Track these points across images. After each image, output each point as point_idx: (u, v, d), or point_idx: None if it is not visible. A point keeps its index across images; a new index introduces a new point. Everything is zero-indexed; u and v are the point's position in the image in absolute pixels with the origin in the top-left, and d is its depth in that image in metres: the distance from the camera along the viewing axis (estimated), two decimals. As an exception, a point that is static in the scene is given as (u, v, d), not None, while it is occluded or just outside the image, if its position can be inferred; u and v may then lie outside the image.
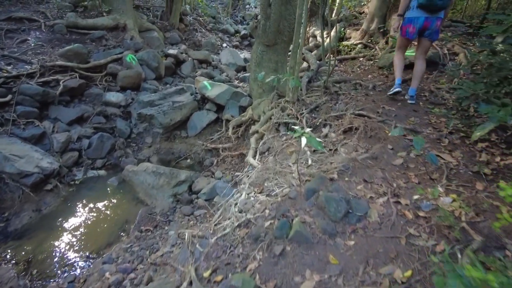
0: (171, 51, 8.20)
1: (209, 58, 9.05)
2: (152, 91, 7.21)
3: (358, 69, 5.38)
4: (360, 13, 9.36)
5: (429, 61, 4.74)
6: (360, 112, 3.42)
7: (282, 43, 5.13)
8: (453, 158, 2.50)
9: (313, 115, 3.71)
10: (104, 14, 7.66)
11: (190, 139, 6.57)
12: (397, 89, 3.74)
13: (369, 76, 4.89)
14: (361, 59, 5.88)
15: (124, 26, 7.72)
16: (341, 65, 5.93)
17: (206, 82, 6.86)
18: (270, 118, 4.40)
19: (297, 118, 3.80)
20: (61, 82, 5.91)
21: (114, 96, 6.63)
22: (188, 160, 6.13)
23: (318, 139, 2.31)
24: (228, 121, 6.38)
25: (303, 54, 5.77)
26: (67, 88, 6.03)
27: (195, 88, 7.19)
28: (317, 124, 3.59)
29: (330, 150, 3.09)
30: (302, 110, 4.06)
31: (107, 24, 7.43)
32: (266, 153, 3.72)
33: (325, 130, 3.47)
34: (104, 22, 7.39)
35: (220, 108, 6.77)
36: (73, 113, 5.94)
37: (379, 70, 5.08)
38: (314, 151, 3.14)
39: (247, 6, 16.91)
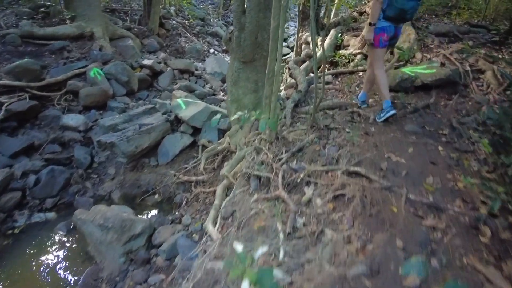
0: (146, 62, 7.24)
1: (192, 67, 8.07)
2: (121, 110, 6.27)
3: (357, 88, 4.38)
4: (361, 14, 8.33)
5: (447, 81, 3.73)
6: (356, 169, 2.43)
7: (262, 59, 4.15)
8: (504, 279, 1.52)
9: (293, 167, 2.72)
10: (68, 21, 6.71)
11: (161, 168, 5.62)
12: (392, 112, 3.18)
13: (370, 100, 3.88)
14: (360, 73, 4.86)
15: (91, 34, 6.76)
16: (337, 81, 4.93)
17: (180, 100, 5.89)
18: (244, 157, 3.43)
19: (272, 169, 2.82)
20: (4, 106, 4.99)
21: (73, 119, 5.70)
22: (156, 196, 5.19)
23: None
24: (204, 147, 5.44)
25: (289, 69, 4.78)
26: (12, 112, 5.10)
27: (171, 105, 6.23)
28: (298, 181, 2.61)
29: (313, 233, 2.12)
30: (282, 153, 3.09)
31: (70, 33, 6.48)
32: (230, 220, 2.75)
33: (308, 192, 2.49)
34: (66, 31, 6.44)
35: (197, 130, 5.82)
36: (18, 143, 5.01)
37: None
38: (288, 233, 2.17)
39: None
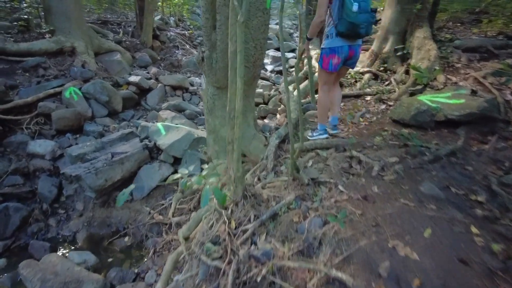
0: (132, 78, 6.58)
1: (185, 83, 7.35)
2: (98, 133, 5.61)
3: (361, 119, 3.50)
4: (376, 22, 7.43)
5: (480, 117, 2.79)
6: (340, 275, 1.56)
7: (241, 84, 3.35)
8: None
9: (255, 254, 1.88)
10: (47, 35, 6.16)
11: (136, 204, 4.90)
12: (324, 136, 3.24)
13: (377, 137, 2.99)
14: (368, 98, 3.97)
15: (72, 50, 6.17)
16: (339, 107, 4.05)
17: (160, 124, 5.17)
18: (205, 219, 2.62)
19: (227, 251, 1.99)
20: (-43, 134, 4.42)
21: (40, 146, 5.07)
22: (126, 238, 4.49)
23: None
24: (189, 177, 4.67)
25: (280, 94, 3.95)
26: (-33, 140, 4.53)
27: (150, 130, 5.51)
28: (259, 280, 1.77)
29: None
30: (250, 219, 2.26)
31: (47, 48, 5.90)
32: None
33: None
34: (43, 46, 5.86)
35: (178, 159, 5.07)
36: (-31, 176, 4.42)
37: (393, 126, 3.16)
38: None
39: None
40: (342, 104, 4.15)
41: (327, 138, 3.22)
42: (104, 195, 4.78)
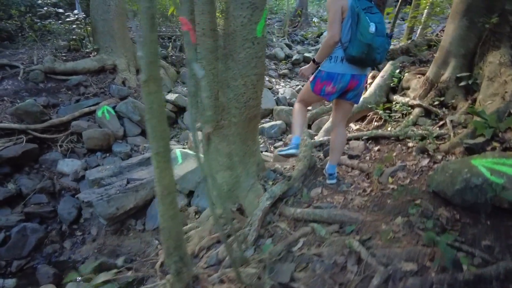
0: (169, 96, 6.44)
1: (225, 101, 6.98)
2: (125, 154, 5.54)
3: (391, 178, 2.58)
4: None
5: None
6: None
7: (232, 126, 2.76)
8: None
9: None
10: (93, 53, 6.36)
11: (147, 234, 4.67)
12: (293, 151, 2.58)
13: (399, 218, 2.09)
14: (410, 144, 2.99)
15: (113, 67, 6.28)
16: (370, 153, 3.14)
17: (178, 151, 4.82)
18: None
19: None
20: (-7, 152, 4.69)
21: (68, 165, 5.16)
22: (130, 273, 4.21)
23: None
24: (197, 214, 4.28)
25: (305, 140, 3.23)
26: (4, 158, 4.76)
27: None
28: None
29: None
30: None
31: (90, 67, 6.08)
32: None
33: None
34: (86, 65, 6.06)
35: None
36: (-2, 193, 4.63)
37: (429, 198, 2.16)
38: None
39: (311, 21, 14.23)
40: (376, 148, 3.24)
41: (293, 155, 2.64)
42: (117, 222, 4.62)
